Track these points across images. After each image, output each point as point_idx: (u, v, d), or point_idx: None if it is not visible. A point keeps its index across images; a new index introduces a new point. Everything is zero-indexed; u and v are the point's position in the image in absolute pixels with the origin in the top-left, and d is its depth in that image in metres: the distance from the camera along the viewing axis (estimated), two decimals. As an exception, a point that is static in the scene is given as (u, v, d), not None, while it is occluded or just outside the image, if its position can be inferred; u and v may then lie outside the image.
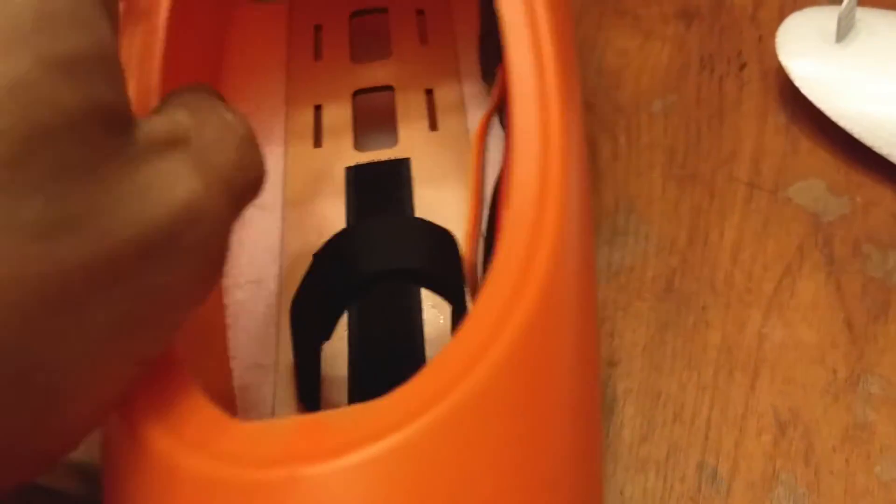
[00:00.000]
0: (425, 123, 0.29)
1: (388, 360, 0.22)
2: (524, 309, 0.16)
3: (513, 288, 0.16)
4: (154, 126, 0.14)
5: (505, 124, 0.23)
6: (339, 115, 0.29)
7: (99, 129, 0.13)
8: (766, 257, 0.28)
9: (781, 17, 0.34)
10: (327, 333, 0.20)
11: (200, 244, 0.14)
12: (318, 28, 0.32)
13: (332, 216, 0.27)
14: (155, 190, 0.14)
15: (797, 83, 0.31)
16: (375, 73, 0.30)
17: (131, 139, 0.14)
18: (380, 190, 0.27)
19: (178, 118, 0.15)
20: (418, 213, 0.26)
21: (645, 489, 0.24)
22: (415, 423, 0.14)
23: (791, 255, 0.28)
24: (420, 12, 0.32)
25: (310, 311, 0.20)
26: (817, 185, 0.30)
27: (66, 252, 0.12)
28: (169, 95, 0.17)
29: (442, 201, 0.27)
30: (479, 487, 0.14)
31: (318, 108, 0.30)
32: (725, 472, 0.24)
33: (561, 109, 0.19)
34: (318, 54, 0.31)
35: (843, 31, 0.31)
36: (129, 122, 0.14)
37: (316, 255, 0.20)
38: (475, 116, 0.29)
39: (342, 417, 0.15)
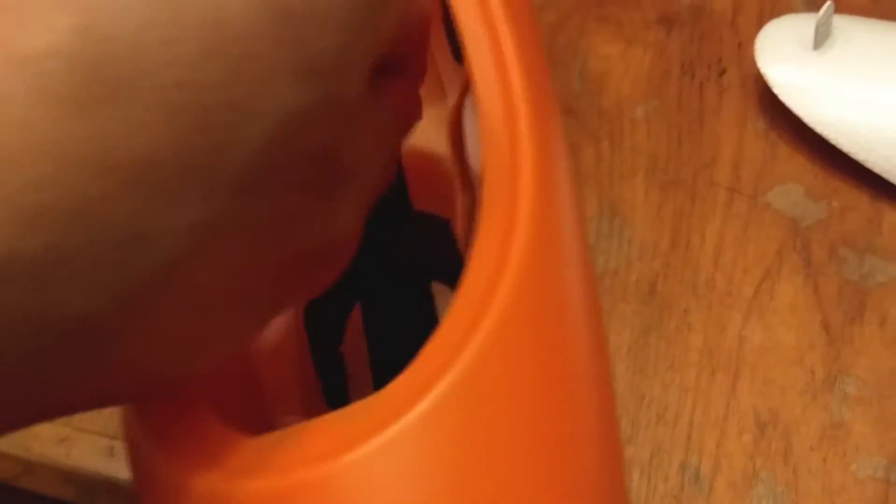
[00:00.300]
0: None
1: (409, 351, 0.23)
2: (503, 292, 0.16)
3: (493, 270, 0.16)
4: None
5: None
6: None
7: None
8: (747, 261, 0.29)
9: (760, 23, 0.35)
10: (342, 334, 0.21)
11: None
12: None
13: None
14: None
15: (775, 90, 0.31)
16: None
17: None
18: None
19: None
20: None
21: (629, 489, 0.25)
22: (420, 404, 0.15)
23: (770, 258, 0.29)
24: None
25: (322, 316, 0.21)
26: (795, 189, 0.31)
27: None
28: None
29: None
30: (493, 456, 0.15)
31: None
32: (707, 472, 0.25)
33: (524, 84, 0.19)
34: None
35: (821, 39, 0.31)
36: None
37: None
38: (454, 95, 0.30)
39: (350, 413, 0.15)
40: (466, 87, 0.25)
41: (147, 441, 0.16)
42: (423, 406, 0.15)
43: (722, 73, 0.35)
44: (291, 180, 0.13)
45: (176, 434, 0.15)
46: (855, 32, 0.32)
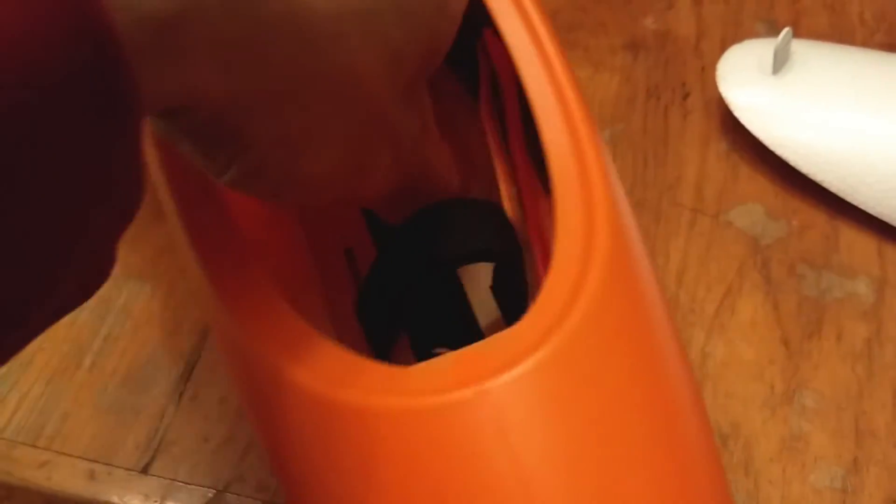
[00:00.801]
0: None
1: (446, 328, 0.24)
2: (599, 252, 0.19)
3: (583, 238, 0.19)
4: None
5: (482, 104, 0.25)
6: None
7: None
8: (709, 279, 0.30)
9: (723, 47, 0.36)
10: (404, 324, 0.22)
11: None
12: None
13: (347, 215, 0.28)
14: None
15: (736, 113, 0.33)
16: None
17: None
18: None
19: None
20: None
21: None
22: (552, 340, 0.17)
23: (732, 276, 0.30)
24: None
25: (383, 307, 0.22)
26: (756, 209, 0.32)
27: None
28: None
29: None
30: (610, 388, 0.17)
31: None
32: (672, 484, 0.26)
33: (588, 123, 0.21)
34: None
35: (780, 63, 0.33)
36: None
37: (383, 254, 0.22)
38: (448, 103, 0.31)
39: (488, 347, 0.17)
40: (489, 83, 0.26)
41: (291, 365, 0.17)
42: (557, 338, 0.17)
43: (686, 96, 0.36)
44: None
45: (315, 358, 0.17)
46: (813, 57, 0.33)
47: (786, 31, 0.32)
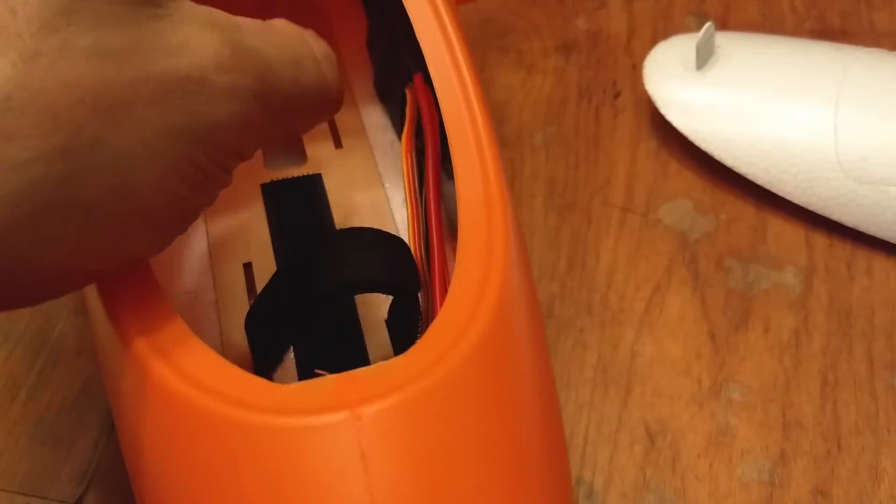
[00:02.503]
0: (330, 143, 0.32)
1: (333, 353, 0.25)
2: (490, 300, 0.19)
3: (478, 283, 0.20)
4: (199, 11, 0.18)
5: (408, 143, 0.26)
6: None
7: None
8: (638, 277, 0.30)
9: (654, 44, 0.36)
10: (292, 344, 0.22)
11: (231, 87, 0.18)
12: None
13: (256, 228, 0.29)
14: (186, 48, 0.17)
15: (662, 110, 0.33)
16: None
17: (169, 11, 0.17)
18: (298, 204, 0.29)
19: (239, 20, 0.19)
20: (337, 223, 0.29)
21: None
22: (432, 373, 0.18)
23: (660, 274, 0.30)
24: None
25: (272, 326, 0.22)
26: (684, 205, 0.32)
27: (113, 71, 0.16)
28: None
29: (357, 210, 0.29)
30: (478, 425, 0.18)
31: None
32: (600, 486, 0.26)
33: (492, 146, 0.23)
34: None
35: (703, 59, 0.33)
36: None
37: (278, 273, 0.22)
38: (375, 135, 0.32)
39: (368, 373, 0.18)
40: (413, 122, 0.27)
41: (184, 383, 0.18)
42: (439, 371, 0.18)
43: (617, 95, 0.36)
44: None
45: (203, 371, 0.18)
46: (736, 49, 0.33)
47: (707, 25, 0.32)
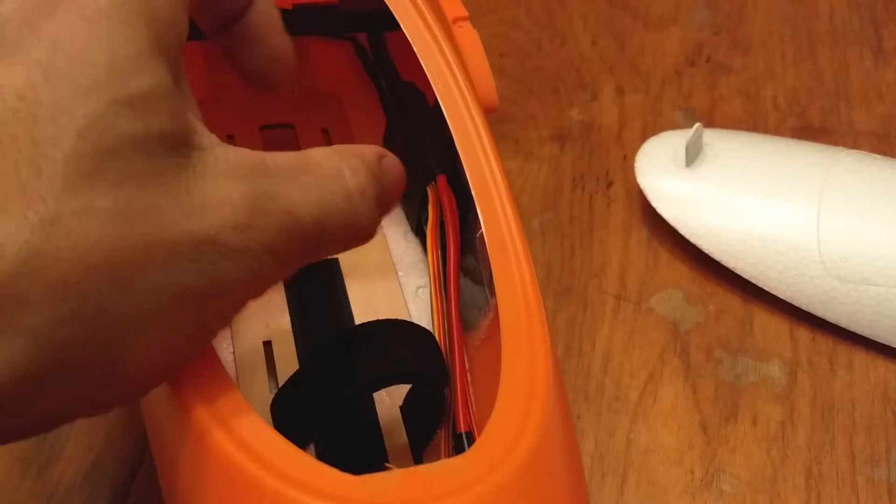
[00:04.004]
0: None
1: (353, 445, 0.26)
2: (539, 403, 0.21)
3: (527, 386, 0.21)
4: (226, 157, 0.18)
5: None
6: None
7: (158, 149, 0.17)
8: (632, 365, 0.32)
9: (644, 136, 0.38)
10: (318, 434, 0.23)
11: (246, 246, 0.18)
12: (230, 137, 0.35)
13: (274, 307, 0.30)
14: (205, 207, 0.17)
15: (653, 203, 0.35)
16: None
17: (192, 161, 0.17)
18: (316, 287, 0.30)
19: (270, 159, 0.19)
20: (353, 308, 0.30)
21: None
22: (495, 475, 0.19)
23: (653, 362, 0.32)
24: (324, 131, 0.36)
25: (299, 412, 0.23)
26: (675, 295, 0.34)
27: (129, 234, 0.16)
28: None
29: (373, 296, 0.30)
30: None
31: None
32: (598, 573, 0.27)
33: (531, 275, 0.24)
34: None
35: (692, 156, 0.35)
36: (189, 145, 0.18)
37: (307, 366, 0.23)
38: (388, 224, 0.33)
39: (432, 471, 0.19)
40: (437, 218, 0.29)
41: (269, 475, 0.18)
42: (498, 474, 0.19)
43: (609, 184, 0.38)
44: None
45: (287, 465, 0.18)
46: (724, 148, 0.35)
47: (696, 126, 0.34)
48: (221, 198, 0.17)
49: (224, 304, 0.18)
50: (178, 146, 0.17)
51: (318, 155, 0.20)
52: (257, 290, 0.19)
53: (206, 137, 0.18)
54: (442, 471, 0.19)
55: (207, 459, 0.19)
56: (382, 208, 0.21)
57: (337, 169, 0.20)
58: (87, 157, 0.16)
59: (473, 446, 0.20)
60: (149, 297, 0.17)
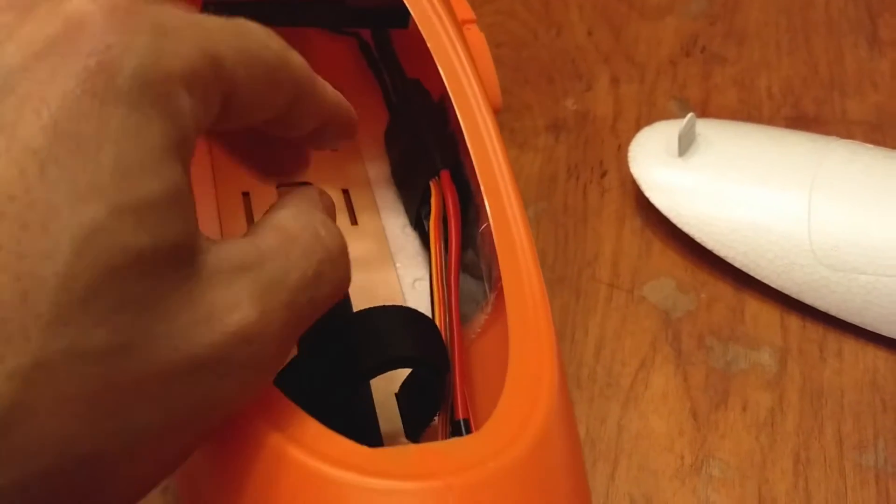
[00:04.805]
0: (346, 218, 0.33)
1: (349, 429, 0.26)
2: (549, 386, 0.22)
3: (536, 370, 0.22)
4: (225, 254, 0.16)
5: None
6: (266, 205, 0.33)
7: (165, 265, 0.14)
8: (624, 353, 0.32)
9: (638, 126, 0.39)
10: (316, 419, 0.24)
11: (250, 360, 0.16)
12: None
13: None
14: (211, 318, 0.15)
15: (646, 192, 0.35)
16: None
17: (197, 269, 0.15)
18: None
19: (260, 243, 0.17)
20: (351, 296, 0.30)
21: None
22: (508, 453, 0.20)
23: (645, 350, 0.32)
24: None
25: (298, 398, 0.23)
26: (667, 283, 0.34)
27: (122, 372, 0.14)
28: (277, 204, 0.19)
29: (371, 286, 0.31)
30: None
31: (245, 195, 0.33)
32: (588, 557, 0.27)
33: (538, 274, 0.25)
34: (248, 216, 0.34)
35: (685, 147, 0.35)
36: (195, 252, 0.15)
37: (305, 341, 0.23)
38: (387, 216, 0.33)
39: (446, 447, 0.20)
40: (440, 211, 0.29)
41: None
42: (515, 449, 0.20)
43: (603, 174, 0.38)
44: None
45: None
46: (717, 137, 0.36)
47: (689, 116, 0.35)
48: (229, 302, 0.16)
49: (218, 418, 0.17)
50: (185, 257, 0.15)
51: (288, 221, 0.18)
52: (254, 397, 0.18)
53: (202, 236, 0.16)
54: (455, 447, 0.20)
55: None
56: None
57: (313, 231, 0.18)
58: (81, 279, 0.13)
59: (485, 426, 0.20)
60: (136, 434, 0.15)
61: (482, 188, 0.26)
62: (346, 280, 0.20)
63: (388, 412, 0.26)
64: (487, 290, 0.28)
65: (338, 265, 0.19)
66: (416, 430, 0.25)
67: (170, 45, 0.15)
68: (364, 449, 0.19)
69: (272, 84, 0.18)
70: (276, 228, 0.18)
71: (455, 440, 0.20)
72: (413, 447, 0.20)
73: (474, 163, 0.27)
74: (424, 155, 0.31)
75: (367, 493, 0.18)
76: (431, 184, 0.30)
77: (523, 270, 0.25)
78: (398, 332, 0.24)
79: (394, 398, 0.26)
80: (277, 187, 0.33)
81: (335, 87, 0.21)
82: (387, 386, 0.27)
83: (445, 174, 0.29)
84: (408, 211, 0.33)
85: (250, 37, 0.17)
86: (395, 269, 0.32)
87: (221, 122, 0.17)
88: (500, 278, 0.26)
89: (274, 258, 0.17)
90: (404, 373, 0.26)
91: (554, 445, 0.21)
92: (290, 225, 0.18)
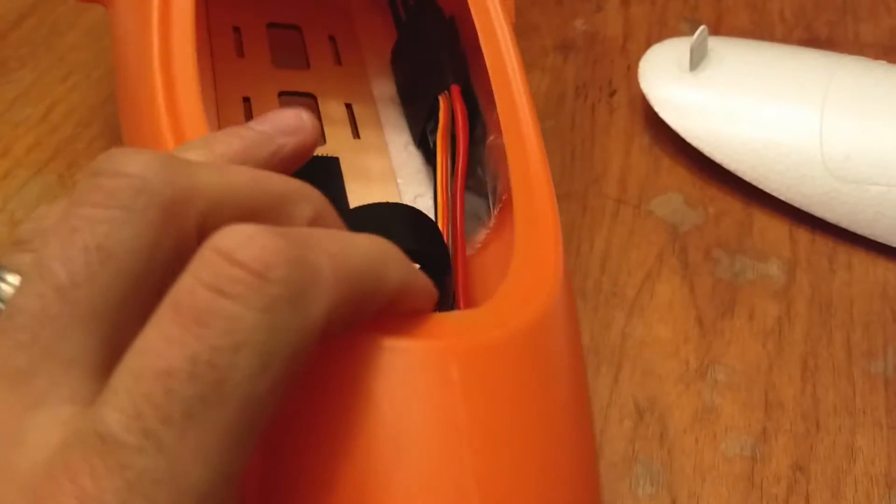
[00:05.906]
0: (348, 131, 0.33)
1: None
2: (553, 265, 0.22)
3: (541, 254, 0.23)
4: None
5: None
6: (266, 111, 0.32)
7: None
8: (630, 265, 0.32)
9: (648, 47, 0.38)
10: None
11: None
12: (236, 29, 0.34)
13: None
14: None
15: (656, 108, 0.34)
16: (296, 81, 0.33)
17: None
18: (316, 181, 0.30)
19: None
20: (351, 206, 0.30)
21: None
22: (510, 324, 0.20)
23: (651, 262, 0.32)
24: (331, 38, 0.36)
25: None
26: (675, 198, 0.34)
27: None
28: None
29: (372, 198, 0.30)
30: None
31: (246, 101, 0.32)
32: (591, 457, 0.27)
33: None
34: (240, 52, 0.34)
35: (696, 61, 0.34)
36: None
37: None
38: (390, 132, 0.33)
39: (451, 317, 0.20)
40: (447, 122, 0.29)
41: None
42: (527, 315, 0.20)
43: (612, 93, 0.37)
44: None
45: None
46: (728, 53, 0.35)
47: (701, 29, 0.34)
48: None
49: None
50: None
51: None
52: None
53: None
54: (459, 317, 0.20)
55: None
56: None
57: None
58: None
59: (489, 301, 0.20)
60: None
61: (496, 98, 0.26)
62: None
63: None
64: (491, 206, 0.27)
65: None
66: None
67: None
68: (423, 315, 0.19)
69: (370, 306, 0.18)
70: None
71: (460, 311, 0.21)
72: (454, 313, 0.20)
73: (490, 74, 0.26)
74: (435, 69, 0.30)
75: (368, 349, 0.18)
76: (441, 97, 0.29)
77: (534, 177, 0.25)
78: (400, 223, 0.23)
79: None
80: (279, 95, 0.33)
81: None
82: None
83: (456, 88, 0.29)
84: (412, 128, 0.33)
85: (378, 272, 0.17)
86: (396, 184, 0.31)
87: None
88: (505, 191, 0.26)
89: None
90: None
91: (556, 325, 0.21)
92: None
